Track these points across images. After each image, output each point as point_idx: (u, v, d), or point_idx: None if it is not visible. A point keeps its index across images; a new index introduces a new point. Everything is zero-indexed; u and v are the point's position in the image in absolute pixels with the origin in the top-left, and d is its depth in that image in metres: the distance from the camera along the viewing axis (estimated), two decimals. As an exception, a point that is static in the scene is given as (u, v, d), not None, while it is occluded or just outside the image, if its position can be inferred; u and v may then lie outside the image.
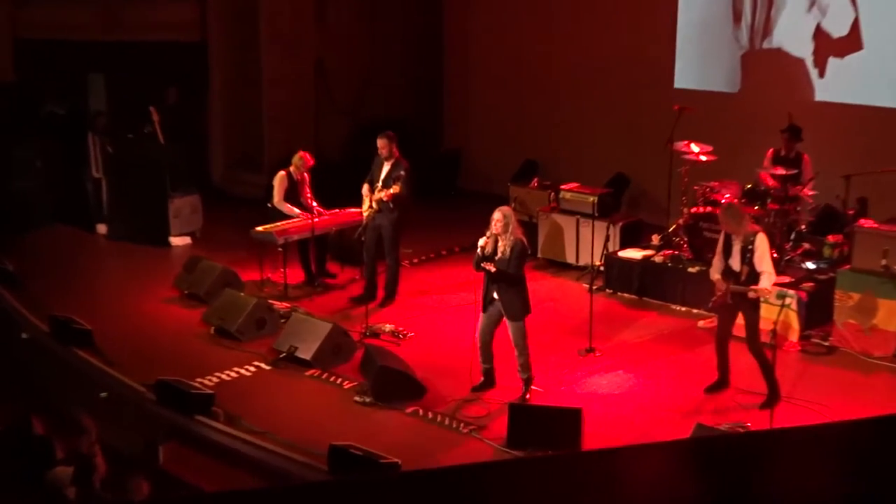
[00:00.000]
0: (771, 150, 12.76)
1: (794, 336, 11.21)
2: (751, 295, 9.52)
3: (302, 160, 12.93)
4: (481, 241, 9.74)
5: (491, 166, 17.56)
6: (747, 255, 9.59)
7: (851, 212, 12.43)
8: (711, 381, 10.20)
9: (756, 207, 12.40)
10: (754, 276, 9.57)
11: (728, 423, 9.38)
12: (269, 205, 12.96)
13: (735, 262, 9.67)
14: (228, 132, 17.81)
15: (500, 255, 9.68)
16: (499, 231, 9.67)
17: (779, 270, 11.97)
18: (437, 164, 17.62)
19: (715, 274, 9.83)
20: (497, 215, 9.71)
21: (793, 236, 12.30)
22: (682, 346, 11.36)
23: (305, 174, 12.99)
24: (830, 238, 12.16)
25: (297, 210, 12.88)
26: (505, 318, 9.86)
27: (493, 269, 9.66)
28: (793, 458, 3.98)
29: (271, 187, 13.02)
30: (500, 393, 10.12)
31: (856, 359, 10.91)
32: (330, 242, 13.39)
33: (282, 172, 12.96)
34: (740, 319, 9.82)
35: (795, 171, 12.31)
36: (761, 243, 9.59)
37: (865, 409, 9.70)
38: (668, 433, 9.23)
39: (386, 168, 12.15)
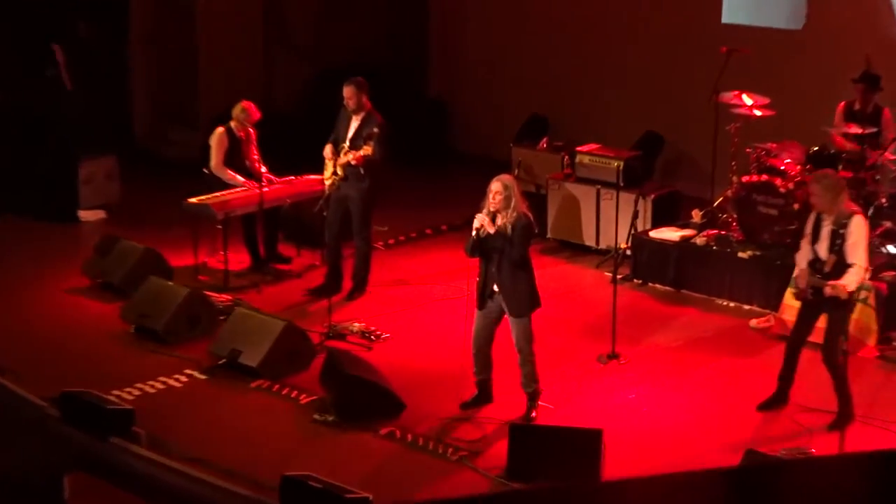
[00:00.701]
0: (843, 103, 12.79)
1: (871, 339, 11.25)
2: (827, 291, 9.52)
3: (245, 112, 12.91)
4: (477, 220, 9.74)
5: (488, 122, 17.55)
6: (837, 240, 9.56)
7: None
8: (767, 395, 10.22)
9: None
10: (842, 268, 9.55)
11: (786, 448, 9.41)
12: (204, 170, 12.94)
13: (822, 249, 9.68)
14: (154, 77, 17.77)
15: (497, 232, 9.70)
16: (498, 206, 9.67)
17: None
18: (419, 119, 17.61)
19: (802, 262, 9.83)
20: (496, 186, 9.70)
21: (871, 212, 12.31)
22: (730, 351, 11.40)
23: (251, 130, 12.97)
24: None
25: (240, 177, 12.87)
26: (507, 316, 9.88)
27: (492, 230, 9.66)
28: (865, 491, 4.01)
29: (208, 148, 13.01)
30: (499, 410, 10.13)
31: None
32: (283, 218, 13.38)
33: (220, 129, 12.94)
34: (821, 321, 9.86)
35: (874, 130, 12.35)
36: (857, 227, 9.56)
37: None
38: (711, 460, 9.25)
39: (354, 124, 12.14)
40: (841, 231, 9.55)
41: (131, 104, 17.78)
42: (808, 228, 9.83)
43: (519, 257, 9.74)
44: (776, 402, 10.10)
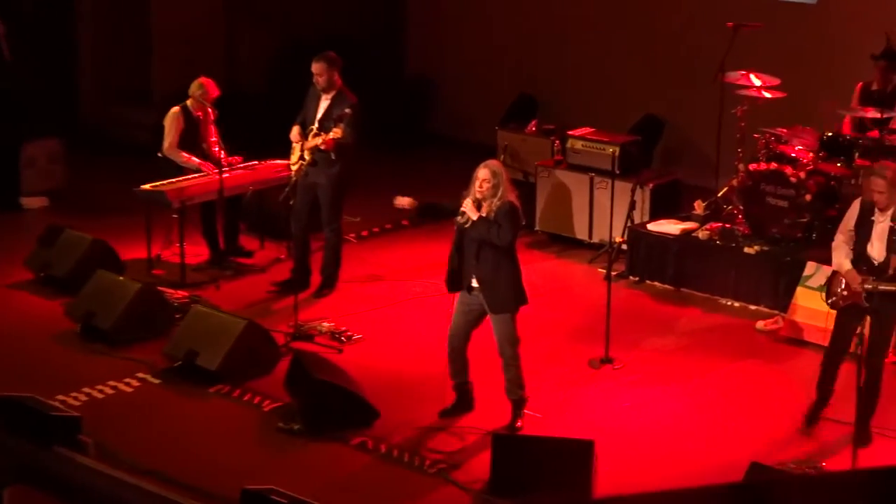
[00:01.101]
0: (860, 83, 12.86)
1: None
2: None
3: (202, 89, 12.89)
4: (465, 206, 9.74)
5: (471, 103, 17.58)
6: None
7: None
8: (774, 403, 10.28)
9: (839, 164, 12.51)
10: None
11: (795, 461, 9.49)
12: (158, 154, 12.94)
13: (876, 248, 9.62)
14: (104, 52, 17.74)
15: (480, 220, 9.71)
16: (485, 194, 9.70)
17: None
18: (396, 99, 17.63)
19: (845, 262, 9.75)
20: (483, 173, 9.73)
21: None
22: (734, 355, 11.46)
23: (209, 110, 12.96)
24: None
25: (195, 159, 12.86)
26: (488, 314, 9.91)
27: (475, 216, 9.69)
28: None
29: (161, 129, 13.00)
30: (481, 419, 10.17)
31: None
32: (245, 207, 13.39)
33: (175, 108, 12.94)
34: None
35: (893, 114, 12.40)
36: None
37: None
38: (713, 475, 9.31)
39: (324, 104, 12.15)
40: None
41: (77, 81, 17.74)
42: (850, 223, 9.77)
43: (506, 244, 9.76)
44: (819, 409, 10.08)
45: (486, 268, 9.81)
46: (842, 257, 9.80)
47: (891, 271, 9.54)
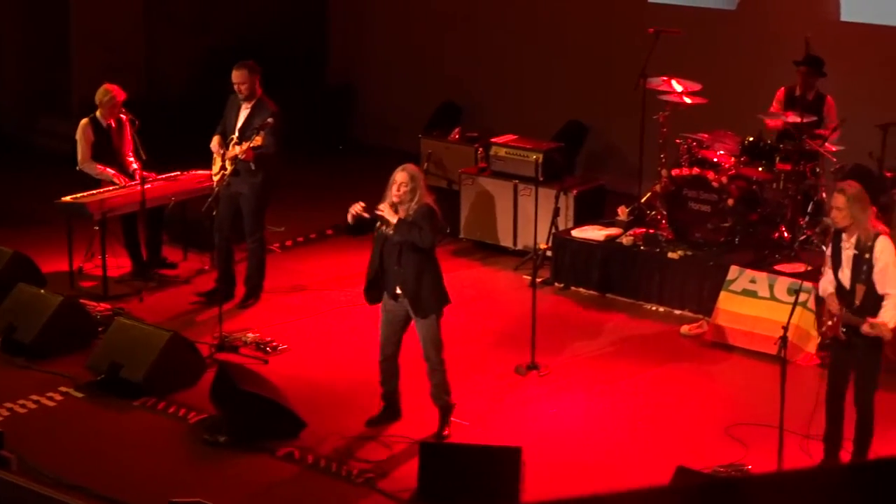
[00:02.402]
0: (782, 89, 12.99)
1: (811, 346, 11.44)
2: (865, 330, 9.06)
3: (109, 95, 12.75)
4: (383, 210, 9.76)
5: (394, 110, 17.60)
6: (863, 266, 9.15)
7: (889, 174, 12.69)
8: (700, 408, 10.37)
9: (760, 169, 12.64)
10: (874, 299, 9.16)
11: (721, 465, 9.59)
12: (77, 167, 12.84)
13: (846, 275, 9.25)
14: (21, 58, 17.60)
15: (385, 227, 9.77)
16: (402, 197, 9.73)
17: (791, 254, 12.26)
18: (318, 107, 17.61)
19: (828, 288, 9.38)
20: (400, 177, 9.77)
21: (810, 208, 12.56)
22: (659, 360, 11.55)
23: (122, 116, 12.85)
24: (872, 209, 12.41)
25: (110, 171, 12.74)
26: (413, 318, 9.97)
27: (394, 219, 9.72)
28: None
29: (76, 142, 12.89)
30: (408, 427, 10.20)
31: None
32: (167, 218, 13.33)
33: (84, 121, 12.79)
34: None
35: (815, 119, 12.54)
36: (885, 251, 9.11)
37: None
38: (639, 479, 9.39)
39: (245, 113, 12.13)
40: (866, 255, 9.13)
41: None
42: (830, 250, 9.42)
43: (429, 246, 9.81)
44: (832, 454, 9.65)
45: (408, 272, 9.84)
46: (827, 285, 9.43)
47: (857, 301, 9.24)
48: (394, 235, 9.78)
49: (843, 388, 9.47)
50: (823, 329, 9.50)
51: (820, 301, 9.59)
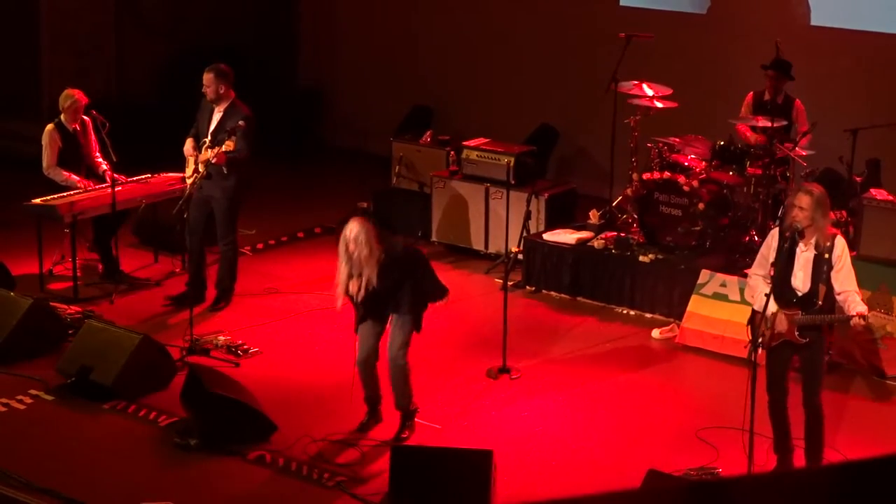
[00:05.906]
0: (751, 93, 13.06)
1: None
2: (856, 322, 9.08)
3: (72, 99, 12.72)
4: (341, 282, 9.78)
5: (365, 114, 17.61)
6: (824, 266, 9.15)
7: (859, 179, 12.77)
8: (671, 411, 10.40)
9: (731, 172, 12.69)
10: (832, 299, 9.20)
11: (692, 468, 9.62)
12: (44, 172, 12.78)
13: (800, 279, 9.28)
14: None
15: (364, 291, 9.74)
16: (361, 256, 9.66)
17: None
18: (289, 110, 17.60)
19: (763, 290, 9.33)
20: (352, 231, 9.62)
21: (780, 212, 12.57)
22: (631, 364, 11.58)
23: (86, 119, 12.82)
24: (831, 214, 12.47)
25: (75, 177, 12.68)
26: (392, 315, 9.96)
27: (362, 293, 9.73)
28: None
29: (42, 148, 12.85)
30: (379, 430, 10.20)
31: (864, 379, 11.25)
32: (139, 221, 13.29)
33: (49, 126, 12.75)
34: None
35: (784, 123, 12.61)
36: (846, 249, 9.20)
37: (876, 446, 10.02)
38: (610, 482, 9.41)
39: (217, 116, 12.12)
40: (826, 255, 9.16)
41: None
42: (771, 257, 9.38)
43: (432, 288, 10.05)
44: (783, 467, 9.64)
45: (390, 294, 9.92)
46: (759, 293, 9.38)
47: (819, 302, 9.24)
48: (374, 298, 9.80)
49: (785, 395, 9.51)
50: (762, 340, 9.33)
51: (753, 312, 9.46)
